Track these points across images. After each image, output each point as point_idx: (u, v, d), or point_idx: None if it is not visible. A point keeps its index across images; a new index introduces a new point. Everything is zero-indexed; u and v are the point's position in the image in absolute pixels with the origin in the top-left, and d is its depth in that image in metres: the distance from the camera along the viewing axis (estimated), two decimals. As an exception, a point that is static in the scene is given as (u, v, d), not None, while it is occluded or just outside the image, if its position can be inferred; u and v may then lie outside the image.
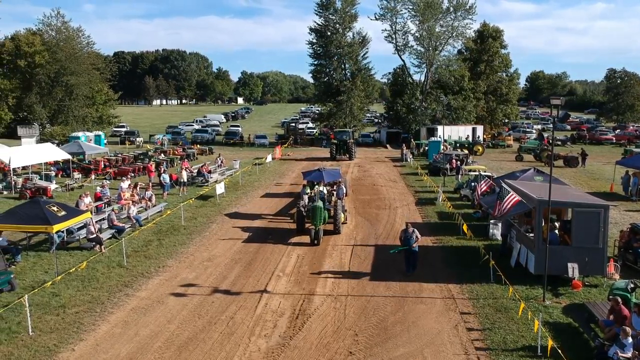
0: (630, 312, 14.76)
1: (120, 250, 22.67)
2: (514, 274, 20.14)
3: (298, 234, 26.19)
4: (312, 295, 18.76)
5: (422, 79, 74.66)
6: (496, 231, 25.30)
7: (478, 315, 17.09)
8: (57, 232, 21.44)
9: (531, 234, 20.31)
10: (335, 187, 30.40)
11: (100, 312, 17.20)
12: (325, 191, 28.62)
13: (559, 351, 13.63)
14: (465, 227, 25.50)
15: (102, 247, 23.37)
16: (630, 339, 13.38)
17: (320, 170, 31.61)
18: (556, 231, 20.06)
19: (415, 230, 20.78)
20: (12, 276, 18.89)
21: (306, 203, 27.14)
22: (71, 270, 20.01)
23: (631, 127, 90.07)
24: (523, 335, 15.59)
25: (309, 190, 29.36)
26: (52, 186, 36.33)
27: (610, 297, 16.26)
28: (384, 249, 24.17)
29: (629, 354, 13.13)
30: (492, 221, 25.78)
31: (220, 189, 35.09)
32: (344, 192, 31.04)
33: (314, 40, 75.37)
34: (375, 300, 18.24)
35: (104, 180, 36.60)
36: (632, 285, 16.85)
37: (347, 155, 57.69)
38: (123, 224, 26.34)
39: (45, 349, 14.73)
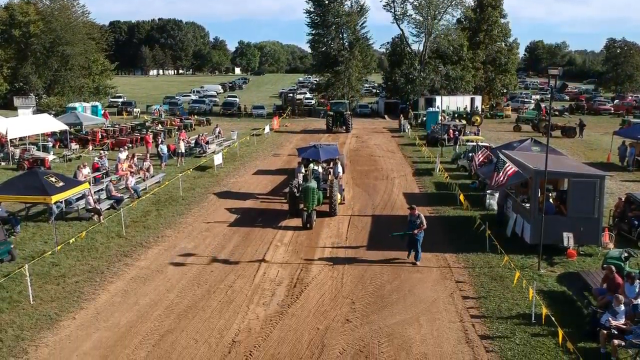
0: (623, 280, 14.96)
1: (119, 220, 22.79)
2: (510, 243, 20.32)
3: (291, 216, 24.46)
4: (309, 264, 18.96)
5: (421, 48, 74.09)
6: (492, 201, 25.44)
7: (473, 283, 17.31)
8: (55, 203, 21.50)
9: (527, 204, 20.45)
10: (332, 165, 28.45)
11: (100, 282, 17.38)
12: (320, 170, 26.55)
13: (553, 318, 13.86)
14: (462, 197, 25.63)
15: (101, 217, 23.50)
16: (622, 307, 13.61)
17: (317, 146, 29.14)
18: (552, 201, 20.20)
19: (422, 215, 19.11)
20: (11, 246, 19.02)
21: (300, 182, 25.08)
22: (70, 241, 20.14)
23: (630, 98, 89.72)
24: (518, 303, 15.81)
25: (304, 169, 27.24)
26: (50, 157, 36.33)
27: (604, 265, 16.45)
28: (381, 219, 24.36)
29: (621, 321, 13.36)
30: (488, 191, 25.90)
31: (218, 159, 35.11)
32: (341, 170, 29.40)
33: (312, 9, 74.38)
34: (372, 269, 18.44)
35: (102, 151, 36.59)
36: (625, 254, 17.08)
37: (344, 128, 55.95)
38: (121, 195, 26.44)
39: (47, 317, 14.94)
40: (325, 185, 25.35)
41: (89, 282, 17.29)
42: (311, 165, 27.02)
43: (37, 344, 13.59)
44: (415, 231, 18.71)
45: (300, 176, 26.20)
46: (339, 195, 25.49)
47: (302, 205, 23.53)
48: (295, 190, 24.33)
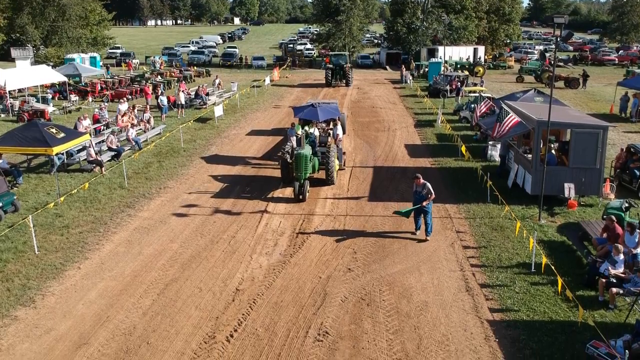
0: (623, 230, 15.07)
1: (120, 172, 22.83)
2: (511, 194, 20.40)
3: (284, 184, 22.15)
4: (311, 215, 19.06)
5: (424, -3, 72.67)
6: (494, 152, 25.40)
7: (474, 233, 17.44)
8: (57, 154, 21.49)
9: (529, 155, 20.42)
10: (331, 126, 25.72)
11: (104, 232, 17.52)
12: (316, 133, 23.68)
13: (552, 267, 14.02)
14: (463, 149, 25.57)
15: (103, 169, 23.52)
16: (621, 256, 13.76)
17: (314, 105, 25.96)
18: (554, 152, 20.17)
19: (428, 184, 16.84)
20: (15, 197, 19.11)
21: (294, 146, 21.67)
22: (73, 192, 20.23)
23: (635, 48, 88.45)
24: (518, 252, 15.96)
25: (299, 131, 23.76)
26: (50, 109, 36.06)
27: (605, 216, 16.54)
28: (382, 171, 24.38)
29: (620, 270, 13.52)
30: (490, 142, 25.83)
31: (218, 111, 34.92)
32: (341, 132, 25.98)
33: (312, -44, 72.68)
34: (374, 220, 18.55)
35: (102, 103, 36.34)
36: (626, 205, 17.13)
37: (344, 82, 53.80)
38: (122, 146, 26.39)
39: (52, 267, 15.12)
40: (323, 149, 22.67)
41: (92, 233, 17.44)
42: (306, 127, 24.52)
43: (44, 292, 13.79)
44: (424, 203, 16.76)
45: (294, 140, 22.48)
46: (337, 162, 22.94)
47: (294, 174, 20.84)
48: (288, 156, 21.75)
